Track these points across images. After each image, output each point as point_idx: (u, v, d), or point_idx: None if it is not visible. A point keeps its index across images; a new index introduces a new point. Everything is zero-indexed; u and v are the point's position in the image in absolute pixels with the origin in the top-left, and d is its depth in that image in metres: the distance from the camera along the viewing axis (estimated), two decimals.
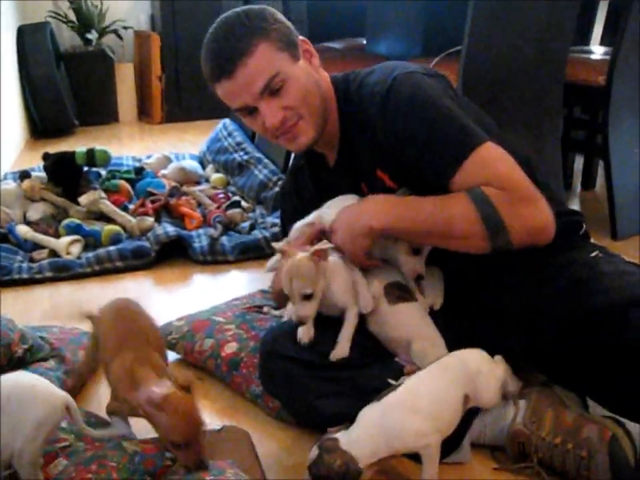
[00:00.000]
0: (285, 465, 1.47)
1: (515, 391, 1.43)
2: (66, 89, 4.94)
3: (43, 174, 3.16)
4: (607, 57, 2.68)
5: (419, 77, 1.48)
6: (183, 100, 5.27)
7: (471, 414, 1.41)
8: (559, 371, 1.49)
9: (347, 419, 1.32)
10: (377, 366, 1.50)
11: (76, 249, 2.62)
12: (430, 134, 1.41)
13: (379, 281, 1.54)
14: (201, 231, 2.76)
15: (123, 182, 3.18)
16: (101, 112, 5.26)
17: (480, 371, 1.37)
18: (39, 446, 1.24)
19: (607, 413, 1.39)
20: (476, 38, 2.40)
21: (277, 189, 2.94)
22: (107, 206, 2.88)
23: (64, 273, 2.48)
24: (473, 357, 1.40)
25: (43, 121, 4.76)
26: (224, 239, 2.68)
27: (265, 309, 1.95)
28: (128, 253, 2.57)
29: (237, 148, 3.48)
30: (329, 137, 1.58)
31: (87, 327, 1.97)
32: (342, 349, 1.46)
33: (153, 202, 2.98)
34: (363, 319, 1.52)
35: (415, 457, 1.31)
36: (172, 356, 1.81)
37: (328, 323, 1.48)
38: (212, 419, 1.62)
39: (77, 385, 1.71)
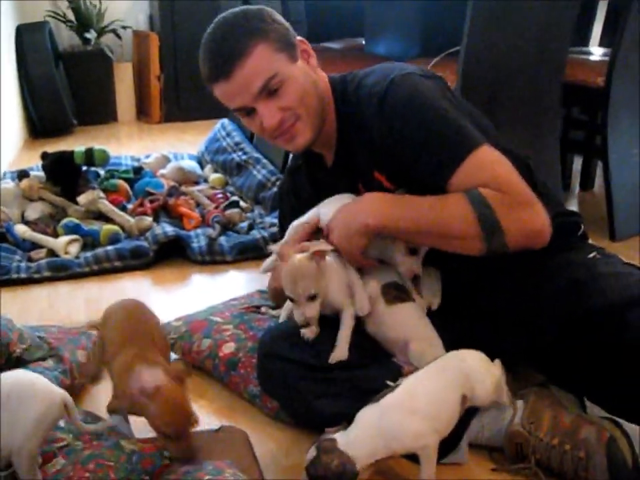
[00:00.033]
0: (282, 465, 1.47)
1: (506, 402, 1.42)
2: (64, 89, 4.94)
3: (42, 173, 3.15)
4: (606, 58, 2.68)
5: (417, 78, 1.47)
6: (182, 100, 5.27)
7: (468, 414, 1.41)
8: (557, 372, 1.49)
9: (345, 420, 1.32)
10: (375, 367, 1.50)
11: (74, 249, 2.61)
12: (427, 136, 1.41)
13: (376, 281, 1.53)
14: (199, 230, 2.76)
15: (121, 182, 3.18)
16: (99, 111, 5.25)
17: (476, 369, 1.37)
18: (38, 443, 1.26)
19: (604, 414, 1.40)
20: (475, 38, 2.40)
21: (275, 189, 2.93)
22: (106, 205, 2.88)
23: (62, 272, 2.48)
24: (470, 357, 1.40)
25: (41, 120, 4.75)
26: (222, 239, 2.68)
27: (263, 309, 1.95)
28: (126, 252, 2.56)
29: (236, 148, 3.48)
30: (327, 137, 1.58)
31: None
32: (341, 351, 1.46)
33: (151, 202, 2.97)
34: (360, 319, 1.52)
35: (413, 458, 1.31)
36: (171, 356, 1.81)
37: (325, 323, 1.48)
38: (210, 419, 1.62)
39: (75, 385, 1.71)
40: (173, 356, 1.86)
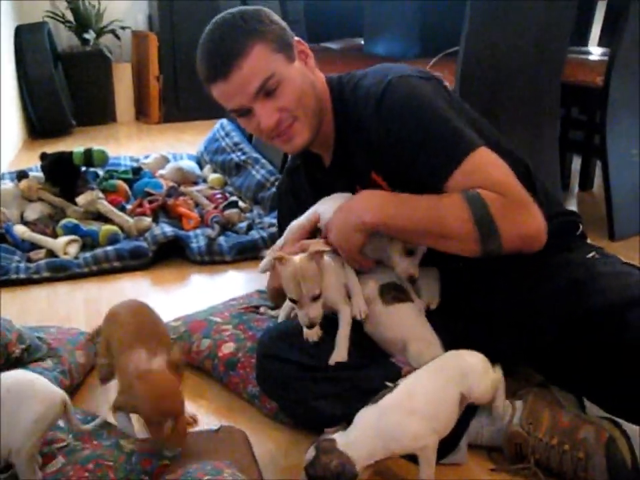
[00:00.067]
0: (281, 466, 1.47)
1: (499, 410, 1.42)
2: (63, 89, 4.94)
3: (41, 174, 3.15)
4: (605, 58, 2.68)
5: (414, 80, 1.47)
6: (181, 100, 5.27)
7: (467, 415, 1.41)
8: (557, 372, 1.49)
9: (344, 420, 1.32)
10: (374, 367, 1.50)
11: (73, 249, 2.61)
12: (424, 138, 1.40)
13: (374, 281, 1.53)
14: (198, 231, 2.76)
15: (120, 182, 3.18)
16: (98, 112, 5.25)
17: (474, 367, 1.37)
18: (37, 443, 1.26)
19: (603, 414, 1.39)
20: (474, 38, 2.40)
21: (274, 189, 2.93)
22: (105, 206, 2.88)
23: (61, 273, 2.48)
24: (468, 355, 1.40)
25: (40, 121, 4.75)
26: (221, 239, 2.68)
27: (262, 309, 1.95)
28: (125, 253, 2.56)
29: (235, 148, 3.48)
30: (324, 137, 1.58)
31: (85, 327, 1.99)
32: (340, 353, 1.46)
33: (150, 202, 2.97)
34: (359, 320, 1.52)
35: (412, 458, 1.31)
36: None
37: (322, 323, 1.48)
38: (209, 419, 1.62)
39: (73, 385, 1.71)
40: None
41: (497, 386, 1.39)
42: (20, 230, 2.71)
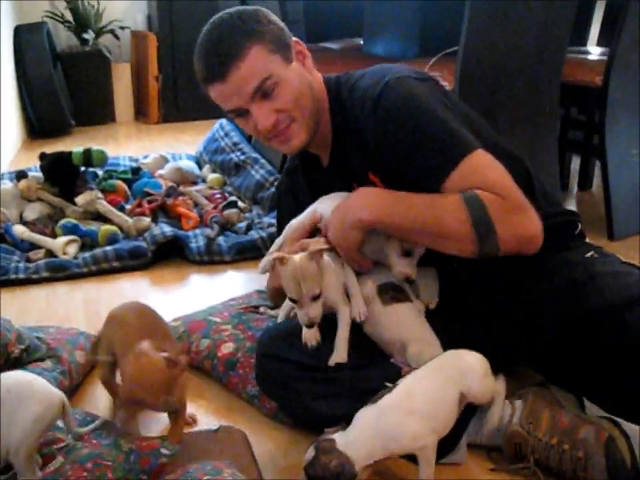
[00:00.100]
0: (281, 465, 1.47)
1: (495, 418, 1.42)
2: (63, 89, 4.93)
3: (40, 174, 3.15)
4: (604, 58, 2.68)
5: (411, 81, 1.47)
6: (180, 100, 5.26)
7: (467, 414, 1.41)
8: (557, 372, 1.49)
9: (344, 420, 1.32)
10: (374, 367, 1.50)
11: (72, 249, 2.61)
12: (421, 139, 1.40)
13: (372, 281, 1.53)
14: (197, 231, 2.76)
15: (119, 182, 3.18)
16: (97, 112, 5.24)
17: (473, 366, 1.37)
18: (36, 443, 1.27)
19: (603, 414, 1.40)
20: (473, 38, 2.40)
21: (273, 189, 2.93)
22: (104, 206, 2.88)
23: (60, 273, 2.48)
24: (467, 355, 1.40)
25: (39, 121, 4.75)
26: (220, 239, 2.68)
27: (262, 309, 1.95)
28: (124, 253, 2.56)
29: (234, 148, 3.48)
30: (322, 138, 1.57)
31: (84, 327, 1.99)
32: (340, 353, 1.46)
33: (149, 202, 2.97)
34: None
35: (412, 458, 1.31)
36: None
37: (322, 323, 1.48)
38: (208, 419, 1.62)
39: (73, 385, 1.71)
40: None
41: (497, 391, 1.39)
42: (19, 230, 2.70)
